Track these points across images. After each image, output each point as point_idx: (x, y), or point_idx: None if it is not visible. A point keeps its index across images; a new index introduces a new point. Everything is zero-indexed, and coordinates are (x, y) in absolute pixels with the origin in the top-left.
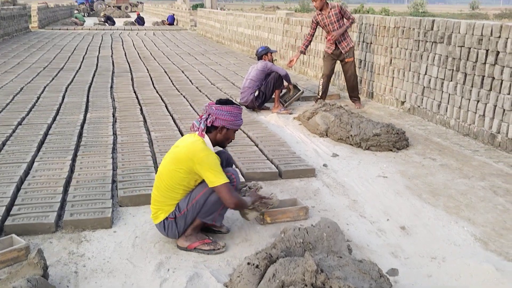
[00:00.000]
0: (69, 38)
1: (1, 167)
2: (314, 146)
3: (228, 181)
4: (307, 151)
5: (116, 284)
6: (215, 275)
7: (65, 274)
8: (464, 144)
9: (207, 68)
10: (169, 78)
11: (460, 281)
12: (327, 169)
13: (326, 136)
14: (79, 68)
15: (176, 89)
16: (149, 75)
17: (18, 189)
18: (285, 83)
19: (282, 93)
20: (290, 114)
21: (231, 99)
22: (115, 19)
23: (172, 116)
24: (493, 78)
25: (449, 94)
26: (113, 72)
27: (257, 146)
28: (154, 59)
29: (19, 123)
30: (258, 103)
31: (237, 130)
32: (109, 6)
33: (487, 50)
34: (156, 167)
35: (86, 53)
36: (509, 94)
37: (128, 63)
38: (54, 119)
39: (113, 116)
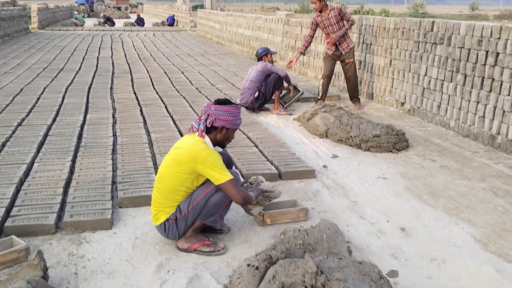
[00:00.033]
0: (69, 39)
1: (1, 168)
2: (314, 147)
3: (233, 177)
4: (307, 152)
5: (116, 285)
6: (215, 277)
7: (65, 276)
8: (464, 145)
9: (207, 69)
10: (169, 79)
11: (460, 282)
12: (327, 170)
13: (326, 137)
14: (79, 69)
15: (176, 90)
16: (149, 76)
17: (18, 190)
18: (285, 84)
19: (282, 94)
20: (290, 115)
21: (231, 100)
22: (115, 20)
23: (172, 117)
24: (493, 79)
25: (449, 95)
26: (113, 73)
27: (257, 147)
28: (154, 60)
29: (19, 124)
30: (258, 104)
31: (237, 129)
32: (109, 7)
33: (487, 51)
34: (156, 168)
35: (86, 54)
36: (509, 95)
37: (128, 64)
38: (54, 120)
39: (113, 117)
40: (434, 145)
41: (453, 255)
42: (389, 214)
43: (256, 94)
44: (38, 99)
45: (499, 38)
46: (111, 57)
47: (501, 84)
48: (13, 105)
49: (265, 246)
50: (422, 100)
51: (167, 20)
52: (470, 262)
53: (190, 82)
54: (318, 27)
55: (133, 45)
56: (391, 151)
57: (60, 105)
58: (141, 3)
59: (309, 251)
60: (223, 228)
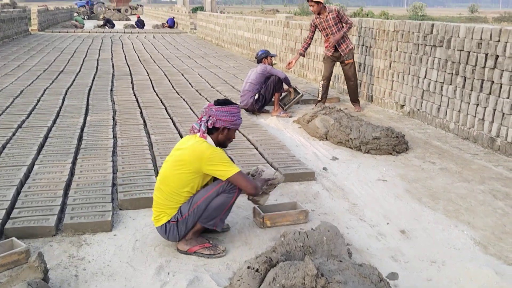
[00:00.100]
0: (69, 41)
1: (1, 170)
2: (313, 149)
3: (240, 169)
4: (306, 154)
5: (117, 287)
6: (215, 279)
7: (65, 278)
8: (464, 147)
9: (207, 71)
10: (169, 81)
11: (459, 285)
12: (327, 172)
13: (325, 140)
14: (79, 71)
15: (176, 92)
16: (149, 78)
17: (18, 192)
18: (285, 86)
19: (282, 96)
20: (289, 117)
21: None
22: (115, 22)
23: (172, 119)
24: (493, 82)
25: (449, 98)
26: (113, 75)
27: (256, 149)
28: (154, 62)
29: (19, 126)
30: (258, 106)
31: (238, 129)
32: (108, 9)
33: (486, 54)
34: (156, 170)
35: (86, 56)
36: (508, 97)
37: (128, 66)
38: (54, 122)
39: (113, 119)
40: (433, 148)
41: (453, 258)
42: (389, 216)
43: (256, 96)
44: (38, 101)
45: (499, 40)
46: (111, 59)
47: (501, 87)
48: (13, 107)
49: (265, 248)
50: (422, 103)
51: (167, 22)
52: (469, 264)
53: (190, 84)
54: (317, 29)
55: (133, 47)
56: (390, 154)
57: (60, 107)
58: (141, 5)
59: (309, 253)
60: (224, 228)
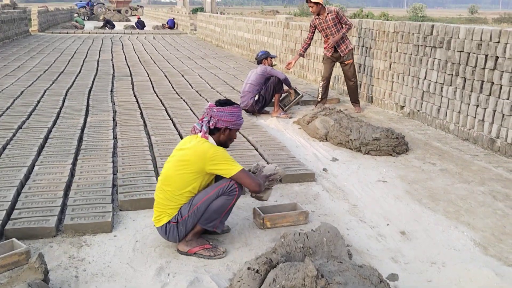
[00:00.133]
0: (69, 41)
1: (2, 171)
2: (313, 150)
3: (243, 167)
4: (306, 155)
5: None
6: (215, 280)
7: (65, 279)
8: (464, 148)
9: (207, 72)
10: (169, 82)
11: (460, 286)
12: (327, 173)
13: (325, 141)
14: (79, 71)
15: (176, 93)
16: (149, 79)
17: (18, 193)
18: (285, 87)
19: (282, 97)
20: (289, 118)
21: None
22: (115, 23)
23: (172, 120)
24: (493, 83)
25: (449, 99)
26: (113, 76)
27: (256, 150)
28: (154, 63)
29: (20, 127)
30: (258, 107)
31: (239, 129)
32: (109, 9)
33: (486, 55)
34: (156, 171)
35: (86, 56)
36: (508, 99)
37: (128, 67)
38: (55, 123)
39: (114, 120)
40: (433, 149)
41: (453, 259)
42: (389, 217)
43: (256, 97)
44: (38, 102)
45: (499, 42)
46: (112, 60)
47: (501, 88)
48: (14, 108)
49: (265, 249)
50: (422, 104)
51: (167, 23)
52: (470, 265)
53: (190, 85)
54: (316, 30)
55: (133, 48)
56: (390, 155)
57: (61, 108)
58: (141, 6)
59: (309, 254)
60: (224, 229)
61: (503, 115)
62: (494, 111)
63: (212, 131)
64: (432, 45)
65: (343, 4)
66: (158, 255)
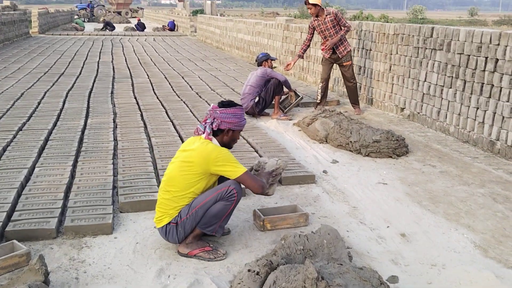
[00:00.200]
0: (69, 43)
1: (2, 173)
2: (313, 152)
3: (247, 169)
4: (306, 157)
5: None
6: (215, 282)
7: (66, 280)
8: (464, 151)
9: (207, 74)
10: (169, 83)
11: None
12: (327, 175)
13: (325, 143)
14: (80, 73)
15: (176, 94)
16: (150, 80)
17: (19, 195)
18: (285, 89)
19: (282, 99)
20: (289, 120)
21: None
22: (115, 24)
23: (172, 122)
24: (492, 85)
25: (449, 101)
26: (113, 78)
27: (257, 152)
28: (155, 64)
29: (20, 129)
30: (258, 109)
31: (242, 130)
32: (109, 11)
33: (486, 58)
34: (156, 173)
35: (86, 58)
36: (508, 101)
37: (129, 69)
38: (55, 124)
39: (114, 121)
40: (434, 151)
41: (453, 261)
42: (389, 219)
43: (256, 99)
44: (38, 103)
45: (498, 44)
46: (112, 61)
47: (500, 90)
48: (14, 109)
49: (265, 251)
50: (422, 106)
51: (167, 25)
52: (470, 267)
53: (190, 87)
54: (315, 31)
55: (134, 50)
56: (391, 157)
57: (61, 110)
58: (141, 8)
59: (310, 256)
60: (224, 231)
61: (503, 117)
62: (494, 113)
63: (215, 133)
64: (432, 47)
65: (342, 6)
66: (158, 257)
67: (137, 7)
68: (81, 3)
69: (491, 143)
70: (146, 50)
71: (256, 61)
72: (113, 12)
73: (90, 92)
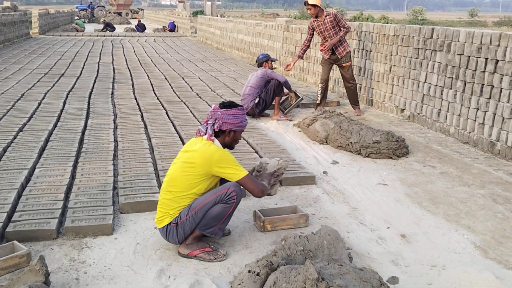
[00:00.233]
0: (69, 44)
1: (2, 174)
2: (314, 153)
3: (248, 172)
4: (307, 158)
5: None
6: (216, 283)
7: (66, 281)
8: (464, 152)
9: (207, 74)
10: (170, 84)
11: None
12: (327, 176)
13: (326, 143)
14: (80, 74)
15: (177, 95)
16: (150, 81)
17: (19, 195)
18: (286, 90)
19: (282, 100)
20: (290, 121)
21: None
22: (115, 25)
23: (172, 123)
24: (493, 86)
25: (449, 102)
26: (114, 79)
27: (257, 153)
28: (155, 65)
29: (20, 129)
30: (258, 110)
31: (243, 130)
32: (109, 12)
33: (486, 59)
34: (157, 173)
35: (87, 59)
36: (508, 102)
37: (129, 70)
38: (55, 125)
39: (114, 122)
40: (434, 152)
41: (453, 262)
42: (389, 220)
43: (257, 100)
44: (39, 104)
45: (499, 45)
46: (112, 62)
47: (501, 91)
48: (14, 110)
49: (265, 252)
50: (422, 107)
51: (168, 26)
52: (470, 268)
53: (191, 87)
54: (315, 32)
55: (134, 51)
56: (391, 158)
57: (61, 111)
58: (141, 9)
59: (310, 257)
60: (224, 232)
61: (503, 118)
62: (494, 114)
63: (217, 134)
64: (432, 48)
65: (343, 7)
66: (158, 257)
67: (138, 8)
68: (81, 4)
69: (491, 144)
70: (146, 51)
71: (256, 62)
72: (114, 13)
73: (91, 93)
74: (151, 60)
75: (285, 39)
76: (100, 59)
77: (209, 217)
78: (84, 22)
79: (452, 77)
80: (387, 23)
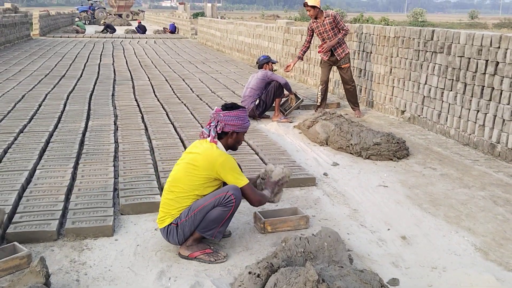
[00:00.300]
0: (70, 45)
1: (3, 175)
2: (314, 155)
3: (249, 181)
4: (307, 159)
5: None
6: (216, 284)
7: (66, 282)
8: (464, 153)
9: (208, 76)
10: (170, 86)
11: None
12: (328, 178)
13: (326, 145)
14: (81, 76)
15: (177, 97)
16: (150, 83)
17: (20, 197)
18: (286, 92)
19: (282, 101)
20: (290, 122)
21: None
22: (116, 27)
23: (173, 124)
24: (493, 88)
25: (449, 104)
26: (114, 80)
27: (257, 155)
28: (155, 67)
29: (21, 131)
30: (259, 111)
31: (246, 132)
32: (110, 14)
33: (486, 61)
34: (157, 175)
35: (87, 61)
36: (508, 104)
37: (130, 71)
38: (56, 126)
39: (115, 124)
40: (434, 154)
41: (454, 264)
42: (390, 222)
43: (257, 101)
44: (39, 106)
45: (499, 47)
46: (113, 64)
47: (501, 93)
48: (15, 111)
49: (266, 253)
50: (423, 109)
51: (168, 28)
52: (470, 270)
53: (191, 89)
54: (314, 33)
55: (135, 52)
56: (391, 159)
57: (62, 112)
58: (142, 11)
59: (310, 259)
60: (225, 233)
61: (504, 120)
62: (495, 116)
63: (219, 135)
64: (432, 50)
65: (343, 9)
66: (159, 259)
67: (138, 10)
68: (82, 5)
69: (492, 146)
70: (146, 53)
71: (256, 63)
72: (114, 15)
73: (91, 94)
74: (152, 62)
75: (285, 40)
76: (100, 60)
77: (208, 220)
78: (85, 23)
79: (453, 79)
80: (388, 25)
